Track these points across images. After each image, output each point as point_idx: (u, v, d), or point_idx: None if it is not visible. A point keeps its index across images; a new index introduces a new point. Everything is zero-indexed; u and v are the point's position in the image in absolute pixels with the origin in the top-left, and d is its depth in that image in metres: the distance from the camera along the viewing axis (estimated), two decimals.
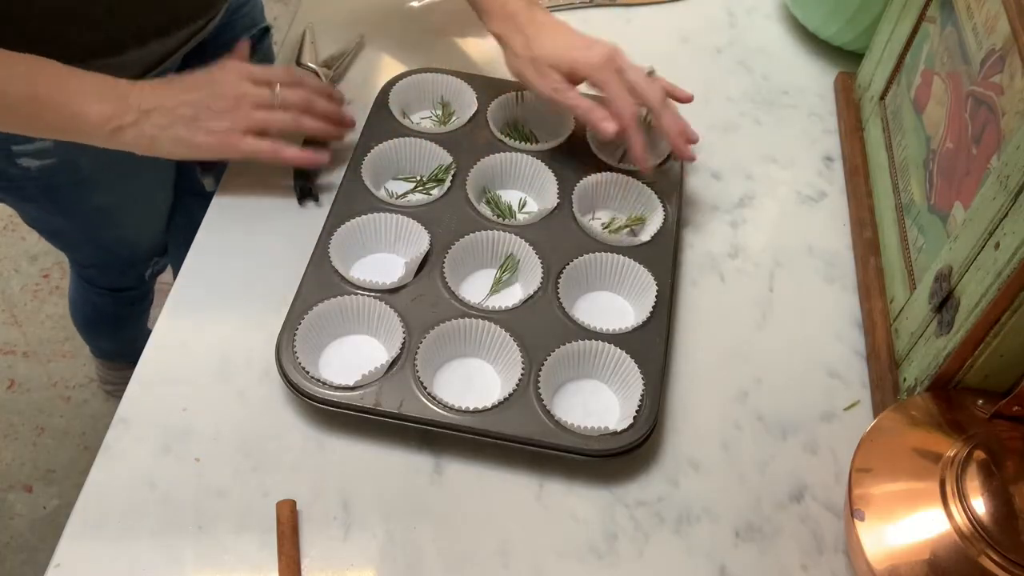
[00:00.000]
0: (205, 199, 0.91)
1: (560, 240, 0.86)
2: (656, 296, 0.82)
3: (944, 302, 0.73)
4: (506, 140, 0.95)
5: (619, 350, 0.78)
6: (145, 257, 1.30)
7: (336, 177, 0.90)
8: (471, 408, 0.74)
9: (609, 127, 0.85)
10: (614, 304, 0.86)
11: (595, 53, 0.87)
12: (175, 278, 0.88)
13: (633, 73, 0.86)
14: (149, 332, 0.85)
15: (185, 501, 0.72)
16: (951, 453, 0.69)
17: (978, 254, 0.69)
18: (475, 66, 1.05)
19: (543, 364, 0.77)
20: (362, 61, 1.06)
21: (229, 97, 0.83)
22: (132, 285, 1.38)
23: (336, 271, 0.82)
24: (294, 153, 0.86)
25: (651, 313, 0.81)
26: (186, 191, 1.22)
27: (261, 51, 1.16)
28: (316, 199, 0.91)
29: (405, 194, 0.91)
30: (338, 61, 1.03)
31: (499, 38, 0.92)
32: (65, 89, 0.78)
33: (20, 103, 0.78)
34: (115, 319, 1.49)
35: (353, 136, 0.94)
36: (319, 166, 0.91)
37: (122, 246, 1.25)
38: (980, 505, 0.65)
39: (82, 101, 0.78)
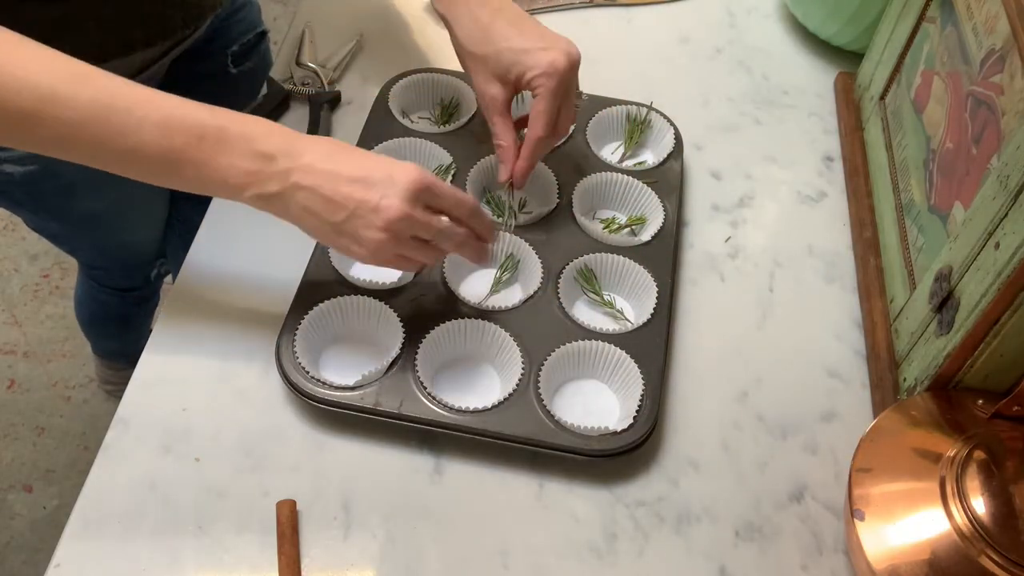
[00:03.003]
0: (203, 203, 0.91)
1: (560, 240, 0.86)
2: (656, 296, 0.82)
3: (944, 302, 0.73)
4: None
5: (619, 350, 0.78)
6: (148, 259, 1.30)
7: None
8: (471, 408, 0.74)
9: (502, 177, 0.84)
10: (614, 304, 0.86)
11: (549, 59, 0.78)
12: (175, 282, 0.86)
13: (569, 95, 0.81)
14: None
15: (185, 501, 0.72)
16: (951, 453, 0.69)
17: (978, 254, 0.69)
18: None
19: (543, 364, 0.77)
20: (362, 61, 1.06)
21: (391, 217, 0.69)
22: (138, 285, 1.39)
23: (336, 271, 0.82)
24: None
25: (651, 313, 0.81)
26: (183, 196, 1.22)
27: (257, 55, 1.15)
28: None
29: None
30: (337, 60, 1.03)
31: (445, 20, 0.83)
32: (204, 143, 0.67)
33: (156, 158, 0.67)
34: (121, 318, 1.49)
35: (353, 136, 0.94)
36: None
37: (121, 249, 1.24)
38: (980, 505, 0.65)
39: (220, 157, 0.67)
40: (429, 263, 0.75)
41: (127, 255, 1.27)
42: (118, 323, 1.51)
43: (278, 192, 0.68)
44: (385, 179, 0.69)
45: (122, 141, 0.65)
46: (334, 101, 1.00)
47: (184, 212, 1.23)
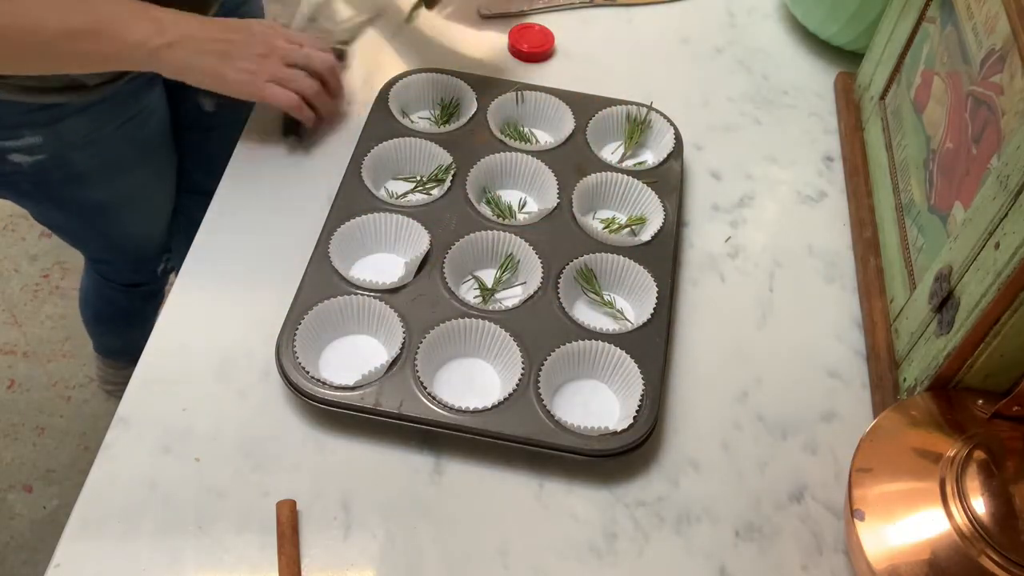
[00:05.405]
0: (206, 198, 0.92)
1: (560, 240, 0.87)
2: (656, 296, 0.82)
3: (944, 302, 0.73)
4: (506, 140, 0.95)
5: (619, 350, 0.78)
6: (154, 253, 1.31)
7: (336, 177, 0.90)
8: (471, 408, 0.74)
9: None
10: (614, 304, 0.86)
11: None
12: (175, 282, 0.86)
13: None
14: None
15: (185, 501, 0.72)
16: (951, 453, 0.69)
17: (978, 254, 0.69)
18: (475, 66, 1.05)
19: (543, 364, 0.77)
20: (362, 61, 1.06)
21: (262, 44, 0.87)
22: (145, 280, 1.39)
23: (336, 271, 0.82)
24: (310, 115, 0.92)
25: (651, 313, 0.81)
26: (186, 190, 1.22)
27: None
28: (300, 136, 0.95)
29: (405, 194, 0.91)
30: (350, 25, 1.08)
31: None
32: (101, 16, 0.81)
33: (56, 39, 0.80)
34: (126, 315, 1.49)
35: (353, 136, 0.94)
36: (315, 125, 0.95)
37: (127, 241, 1.25)
38: (980, 505, 0.65)
39: (119, 26, 0.82)
40: (304, 89, 0.90)
41: (133, 248, 1.27)
42: (124, 319, 1.51)
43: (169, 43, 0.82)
44: (248, 24, 0.88)
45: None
46: (339, 54, 1.03)
47: (186, 206, 1.24)
